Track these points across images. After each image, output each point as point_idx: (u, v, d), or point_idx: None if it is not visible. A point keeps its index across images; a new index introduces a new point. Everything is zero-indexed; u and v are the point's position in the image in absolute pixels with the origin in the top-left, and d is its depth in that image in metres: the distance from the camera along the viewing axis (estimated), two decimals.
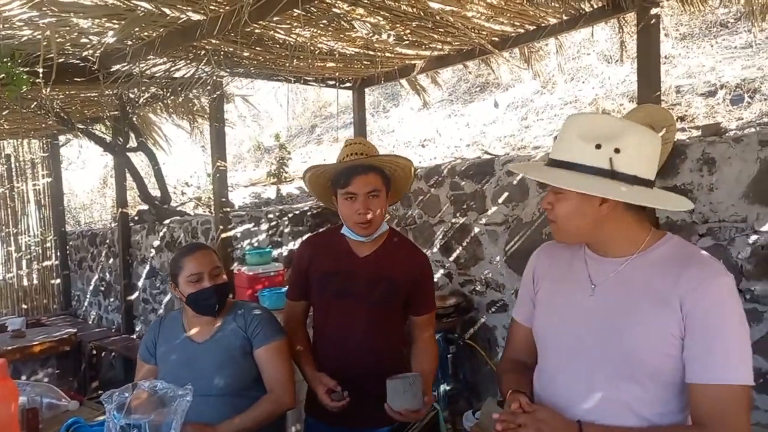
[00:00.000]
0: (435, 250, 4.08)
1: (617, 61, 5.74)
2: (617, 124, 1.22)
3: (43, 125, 5.78)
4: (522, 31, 3.31)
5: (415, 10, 2.83)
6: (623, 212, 1.22)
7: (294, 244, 4.73)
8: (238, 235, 4.77)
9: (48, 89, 3.46)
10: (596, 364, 1.24)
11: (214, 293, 1.97)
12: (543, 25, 3.23)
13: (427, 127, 6.99)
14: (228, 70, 3.62)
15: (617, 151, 1.17)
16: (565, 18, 3.13)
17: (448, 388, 3.64)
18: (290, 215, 4.84)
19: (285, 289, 3.69)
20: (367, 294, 1.93)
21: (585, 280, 1.30)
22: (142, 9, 2.47)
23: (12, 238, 6.92)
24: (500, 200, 3.67)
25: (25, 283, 6.98)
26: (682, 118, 4.28)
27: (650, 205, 1.20)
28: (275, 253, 4.57)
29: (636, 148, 1.18)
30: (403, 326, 2.06)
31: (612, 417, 1.21)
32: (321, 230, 4.72)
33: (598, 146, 1.18)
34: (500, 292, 3.73)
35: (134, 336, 5.93)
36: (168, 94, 4.44)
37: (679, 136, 3.41)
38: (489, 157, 4.00)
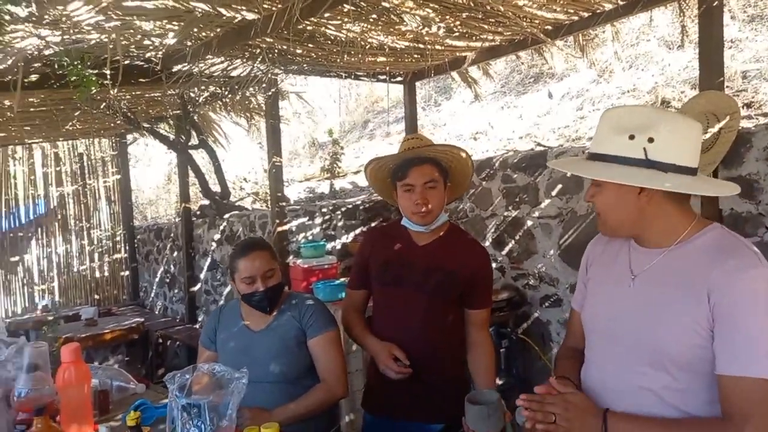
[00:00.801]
0: (487, 243, 4.05)
1: (679, 46, 5.49)
2: (650, 113, 1.22)
3: (112, 125, 6.10)
4: (576, 18, 3.22)
5: (465, 0, 2.81)
6: (663, 202, 1.22)
7: (347, 238, 4.81)
8: (294, 228, 4.89)
9: (115, 90, 3.65)
10: (629, 352, 1.25)
11: (265, 296, 2.05)
12: (598, 11, 3.13)
13: (479, 119, 6.91)
14: (282, 68, 3.71)
15: (651, 140, 1.17)
16: (621, 3, 3.03)
17: (500, 382, 3.61)
18: (343, 209, 4.91)
19: (338, 281, 3.78)
20: (423, 282, 1.95)
21: (626, 270, 1.31)
22: (200, 10, 2.57)
23: (85, 232, 7.34)
24: (553, 193, 3.60)
25: (97, 274, 7.39)
26: (748, 105, 4.07)
27: (689, 192, 1.20)
28: (329, 246, 4.65)
29: (671, 136, 1.18)
30: (460, 320, 2.05)
31: (642, 405, 1.22)
32: (384, 223, 4.81)
33: (632, 137, 1.19)
34: (554, 286, 3.66)
35: (197, 326, 6.18)
36: (226, 93, 4.59)
37: (745, 123, 3.25)
38: (542, 149, 3.93)
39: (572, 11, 3.14)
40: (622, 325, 1.28)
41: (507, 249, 3.94)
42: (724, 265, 1.15)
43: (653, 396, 1.22)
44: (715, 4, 2.73)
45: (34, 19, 2.42)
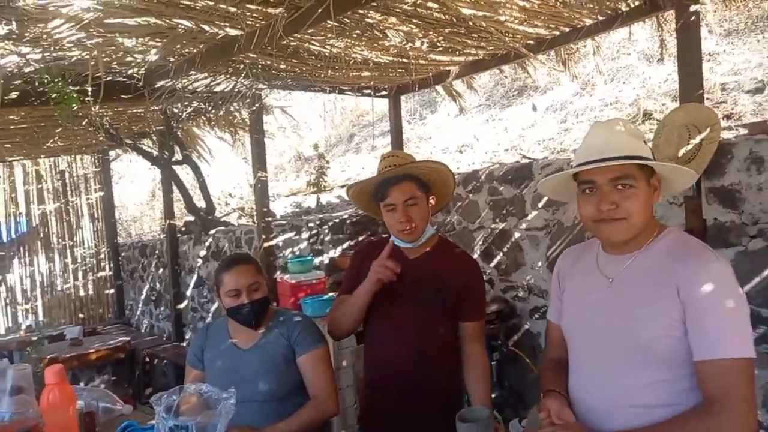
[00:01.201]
0: (475, 256, 4.06)
1: (658, 60, 5.59)
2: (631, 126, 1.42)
3: (94, 141, 6.04)
4: (557, 33, 3.27)
5: (447, 16, 2.84)
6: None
7: (335, 252, 4.79)
8: (280, 244, 4.86)
9: (97, 106, 3.63)
10: (615, 353, 1.33)
11: (251, 309, 2.03)
12: (578, 26, 3.18)
13: (464, 133, 6.96)
14: (266, 83, 3.71)
15: (645, 142, 1.38)
16: (601, 18, 3.08)
17: (493, 395, 3.60)
18: (330, 223, 4.90)
19: (327, 296, 3.76)
20: (412, 294, 1.95)
21: (601, 277, 1.40)
22: (183, 27, 2.57)
23: (68, 250, 7.24)
24: (540, 204, 3.63)
25: (81, 293, 7.28)
26: (728, 117, 4.14)
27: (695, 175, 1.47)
28: (316, 261, 4.63)
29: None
30: (453, 333, 2.03)
31: (630, 403, 1.29)
32: (372, 237, 4.79)
33: (645, 142, 1.36)
34: (543, 298, 3.67)
35: (184, 344, 6.10)
36: (210, 108, 4.58)
37: (726, 134, 3.30)
38: (527, 161, 3.96)
39: (553, 26, 3.19)
40: (605, 329, 1.35)
41: (495, 261, 3.95)
42: (688, 262, 1.27)
43: (642, 392, 1.29)
44: (692, 18, 2.78)
45: (14, 36, 2.40)
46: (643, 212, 1.31)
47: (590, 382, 1.38)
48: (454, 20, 2.89)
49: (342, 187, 7.27)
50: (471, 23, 2.92)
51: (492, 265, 3.97)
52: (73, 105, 2.84)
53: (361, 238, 4.84)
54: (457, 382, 2.03)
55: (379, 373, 2.01)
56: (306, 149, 9.96)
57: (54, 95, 2.77)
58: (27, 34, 2.42)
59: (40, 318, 6.96)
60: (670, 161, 2.75)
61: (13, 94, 3.31)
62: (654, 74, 5.56)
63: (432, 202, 2.03)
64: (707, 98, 3.10)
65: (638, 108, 5.05)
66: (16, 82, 3.18)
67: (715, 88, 4.57)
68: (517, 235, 3.79)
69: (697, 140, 2.67)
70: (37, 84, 2.89)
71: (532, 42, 3.36)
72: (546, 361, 1.64)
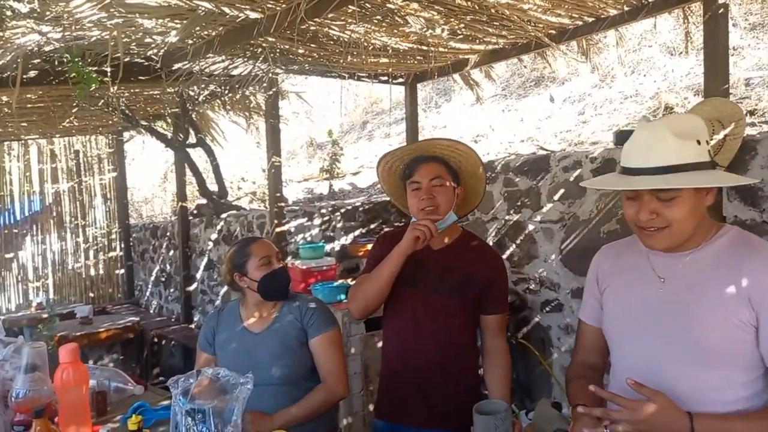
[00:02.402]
0: None
1: (681, 53, 5.50)
2: (686, 118, 1.27)
3: (110, 122, 6.06)
4: (580, 23, 3.22)
5: (469, 3, 2.80)
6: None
7: (346, 239, 4.78)
8: (292, 229, 4.86)
9: (115, 87, 3.62)
10: (673, 354, 1.26)
11: (286, 273, 2.10)
12: (603, 16, 3.13)
13: (479, 122, 6.91)
14: (283, 67, 3.69)
15: (707, 142, 1.23)
16: (626, 9, 3.02)
17: None
18: (342, 210, 4.89)
19: (337, 283, 3.76)
20: (438, 283, 1.91)
21: (652, 276, 1.32)
22: (203, 8, 2.55)
23: (80, 229, 7.29)
24: (556, 197, 3.59)
25: (92, 272, 7.34)
26: (751, 113, 4.07)
27: (745, 183, 1.32)
28: (328, 247, 4.63)
29: (707, 136, 1.24)
30: (475, 324, 2.00)
31: (694, 405, 1.21)
32: (383, 225, 4.77)
33: (698, 142, 1.22)
34: (555, 291, 3.65)
35: (193, 326, 6.14)
36: (226, 92, 4.57)
37: (749, 131, 3.25)
38: (544, 152, 3.92)
39: (577, 16, 3.14)
40: (660, 330, 1.28)
41: (508, 253, 3.92)
42: (755, 261, 1.19)
43: (704, 394, 1.23)
44: (720, 11, 2.73)
45: (35, 15, 2.39)
46: (688, 219, 1.22)
47: (642, 380, 1.28)
48: (477, 7, 2.85)
49: (355, 174, 7.26)
50: (493, 11, 2.88)
51: (504, 256, 3.94)
52: (92, 85, 2.83)
53: (372, 226, 4.83)
54: (476, 375, 2.01)
55: (399, 362, 1.98)
56: (319, 135, 9.93)
57: (73, 75, 2.76)
58: (48, 13, 2.41)
59: (51, 296, 7.03)
60: None
61: (32, 73, 3.31)
62: (676, 67, 5.47)
63: (458, 192, 1.97)
64: (731, 93, 3.04)
65: (659, 101, 4.97)
66: (35, 61, 3.18)
67: (739, 83, 4.49)
68: (531, 227, 3.76)
69: (721, 135, 2.62)
70: (56, 63, 2.88)
71: (554, 31, 3.31)
72: (576, 367, 1.54)
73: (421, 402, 1.92)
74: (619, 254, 1.45)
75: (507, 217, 3.91)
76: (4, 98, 4.18)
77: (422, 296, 1.93)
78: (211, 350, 2.15)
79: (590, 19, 3.17)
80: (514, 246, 3.88)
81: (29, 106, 4.67)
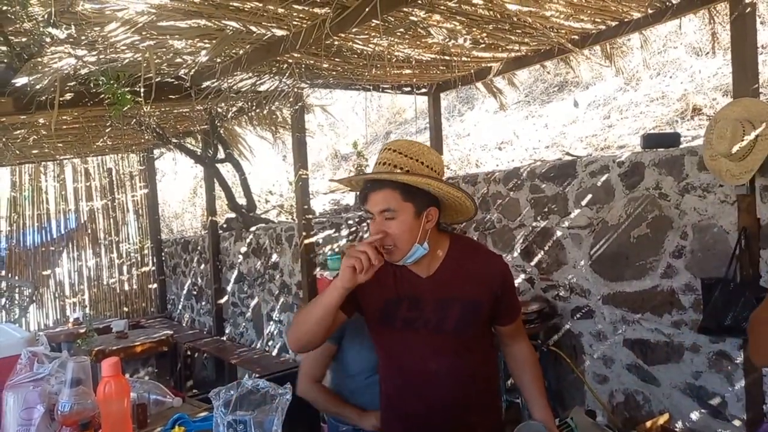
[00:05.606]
0: (516, 254, 4.02)
1: (707, 53, 5.42)
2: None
3: (141, 140, 6.23)
4: (603, 27, 3.21)
5: (491, 12, 2.82)
6: None
7: None
8: (320, 240, 4.91)
9: (147, 107, 3.72)
10: None
11: None
12: (626, 20, 3.12)
13: (503, 129, 6.89)
14: (308, 82, 3.75)
15: None
16: (650, 11, 3.01)
17: None
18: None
19: None
20: (440, 321, 1.62)
21: None
22: (231, 28, 2.62)
23: (114, 245, 7.48)
24: (583, 203, 3.57)
25: (126, 287, 7.52)
26: None
27: None
28: None
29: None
30: (492, 349, 1.78)
31: None
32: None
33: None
34: (585, 297, 3.61)
35: (224, 338, 6.23)
36: (253, 107, 4.65)
37: None
38: (570, 158, 3.90)
39: (599, 20, 3.13)
40: None
41: (536, 260, 3.90)
42: None
43: None
44: (747, 10, 2.69)
45: (72, 40, 2.49)
46: None
47: None
48: (499, 16, 2.87)
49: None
50: (516, 19, 2.89)
51: (533, 263, 3.92)
52: (126, 105, 2.93)
53: None
54: (500, 409, 1.89)
55: (410, 414, 1.72)
56: (343, 147, 10.01)
57: (108, 96, 2.86)
58: (83, 38, 2.50)
59: (87, 311, 7.20)
60: (723, 158, 2.67)
61: (68, 95, 3.43)
62: (703, 68, 5.39)
63: (430, 215, 1.57)
64: (761, 93, 2.99)
65: (687, 103, 4.90)
66: (71, 84, 3.30)
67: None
68: (558, 233, 3.73)
69: (752, 136, 2.58)
70: (91, 85, 2.99)
71: (577, 37, 3.31)
72: None
73: None
74: None
75: (534, 224, 3.89)
76: (42, 120, 4.33)
77: (426, 339, 1.64)
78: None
79: (613, 23, 3.16)
80: (542, 253, 3.86)
81: (65, 127, 4.83)
